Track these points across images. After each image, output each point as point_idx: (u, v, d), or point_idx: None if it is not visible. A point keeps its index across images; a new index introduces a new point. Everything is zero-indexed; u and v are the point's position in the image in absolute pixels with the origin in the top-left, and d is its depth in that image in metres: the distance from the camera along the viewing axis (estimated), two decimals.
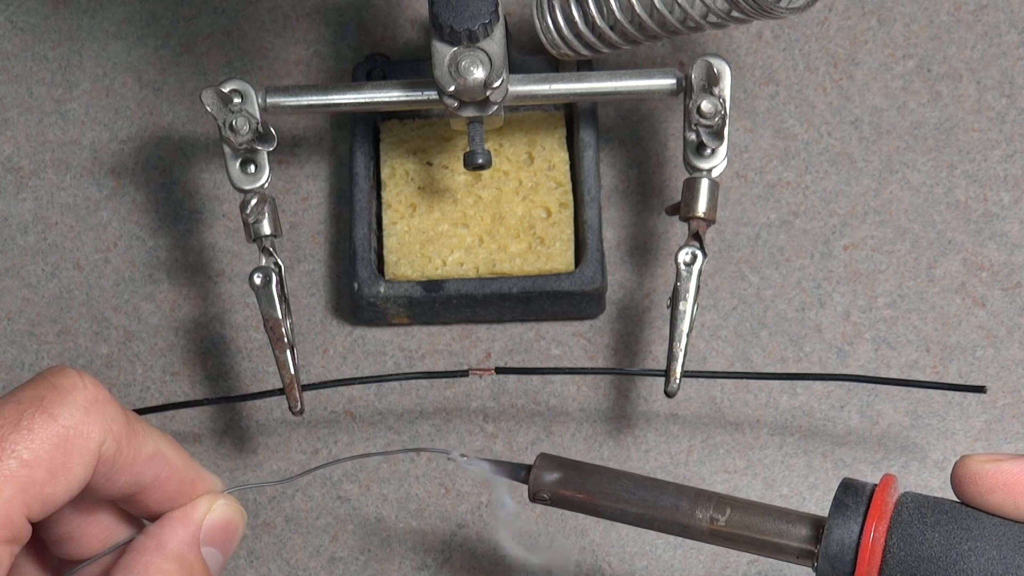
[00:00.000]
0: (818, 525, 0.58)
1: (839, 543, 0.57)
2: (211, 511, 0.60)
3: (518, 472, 0.62)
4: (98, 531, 0.60)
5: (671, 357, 0.68)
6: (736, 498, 0.60)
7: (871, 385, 0.74)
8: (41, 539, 0.59)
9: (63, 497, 0.55)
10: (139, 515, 0.60)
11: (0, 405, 0.55)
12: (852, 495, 0.58)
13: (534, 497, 0.61)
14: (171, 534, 0.59)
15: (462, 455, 0.63)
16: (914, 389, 0.74)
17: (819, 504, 0.73)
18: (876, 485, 0.58)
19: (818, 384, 0.74)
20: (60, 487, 0.55)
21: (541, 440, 0.74)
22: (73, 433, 0.55)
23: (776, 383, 0.74)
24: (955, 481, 0.57)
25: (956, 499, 0.57)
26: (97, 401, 0.56)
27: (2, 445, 0.54)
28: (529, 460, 0.73)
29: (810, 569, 0.58)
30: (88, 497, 0.57)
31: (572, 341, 0.75)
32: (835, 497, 0.58)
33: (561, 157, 0.75)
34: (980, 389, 0.69)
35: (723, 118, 0.68)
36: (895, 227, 0.76)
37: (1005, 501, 0.56)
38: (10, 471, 0.54)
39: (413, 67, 0.75)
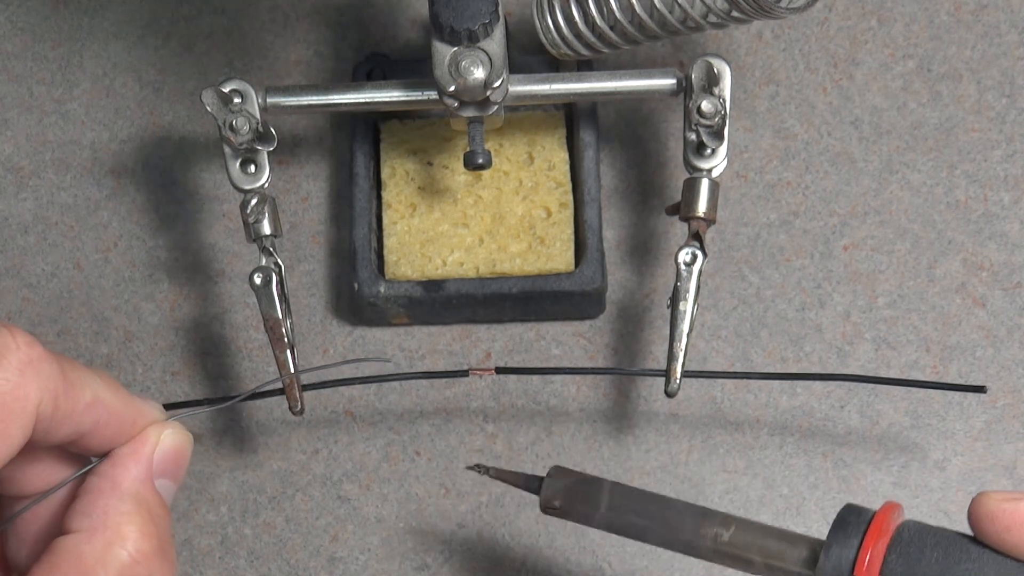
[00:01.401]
0: (820, 547, 0.58)
1: (837, 560, 0.57)
2: (160, 442, 0.60)
3: (532, 483, 0.64)
4: (40, 470, 0.60)
5: (671, 357, 0.68)
6: (741, 519, 0.61)
7: (871, 385, 0.74)
8: None
9: (1, 459, 0.55)
10: (83, 454, 0.60)
11: None
12: (854, 516, 0.58)
13: (545, 508, 0.63)
14: (124, 472, 0.59)
15: (477, 466, 0.65)
16: (914, 390, 0.74)
17: (819, 504, 0.73)
18: (878, 510, 0.58)
19: (818, 384, 0.74)
20: None
21: (541, 440, 0.74)
22: (8, 398, 0.54)
23: (776, 383, 0.74)
24: (972, 519, 0.57)
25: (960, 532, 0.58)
26: (31, 361, 0.55)
27: None
28: (530, 460, 0.74)
29: None
30: (27, 448, 0.56)
31: (572, 341, 0.75)
32: (837, 517, 0.58)
33: (561, 157, 0.75)
34: (980, 389, 0.69)
35: (723, 118, 0.68)
36: (895, 227, 0.76)
37: (1022, 541, 0.56)
38: None
39: (413, 67, 0.75)
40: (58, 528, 0.58)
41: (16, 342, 0.55)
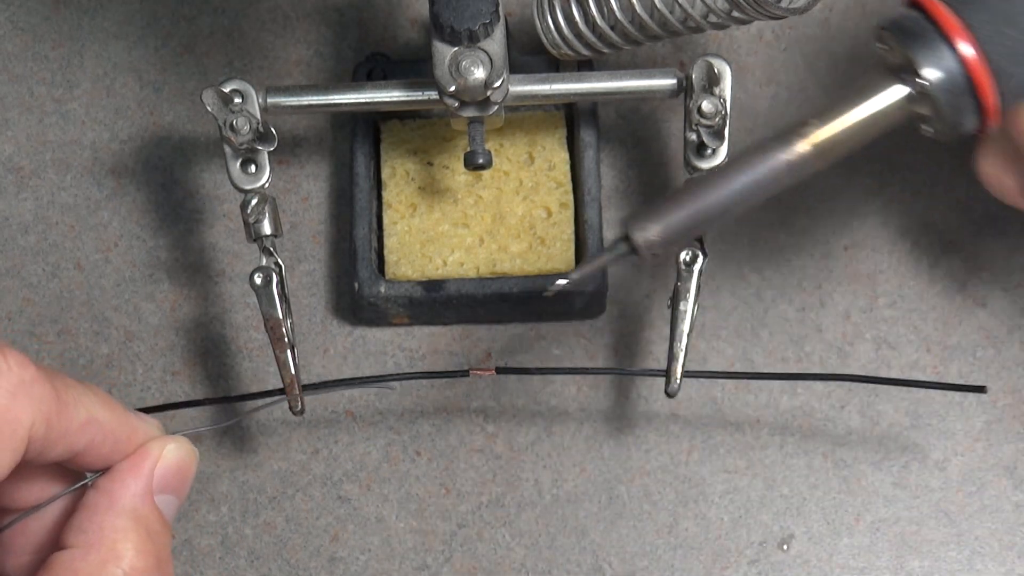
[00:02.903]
0: (901, 68, 0.58)
1: (936, 60, 0.57)
2: (162, 457, 0.59)
3: (620, 248, 0.60)
4: (35, 486, 0.59)
5: (672, 357, 0.68)
6: (821, 108, 0.59)
7: (871, 385, 0.74)
8: None
9: None
10: (79, 470, 0.60)
11: None
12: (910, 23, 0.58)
13: (650, 251, 0.59)
14: (122, 489, 0.58)
15: (563, 280, 0.62)
16: (914, 390, 0.74)
17: (819, 504, 0.73)
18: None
19: (818, 384, 0.74)
20: None
21: (541, 440, 0.74)
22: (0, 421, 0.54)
23: (776, 383, 0.74)
24: None
25: None
26: (23, 383, 0.54)
27: None
28: (530, 460, 0.74)
29: (925, 127, 0.59)
30: (20, 467, 0.56)
31: (572, 341, 0.75)
32: (895, 30, 0.58)
33: (561, 157, 0.75)
34: (980, 389, 0.69)
35: (724, 118, 0.68)
36: (895, 227, 0.76)
37: None
38: None
39: (413, 67, 0.75)
40: (54, 543, 0.58)
41: (7, 363, 0.54)
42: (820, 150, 0.59)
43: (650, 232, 0.59)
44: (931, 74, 0.58)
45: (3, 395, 0.54)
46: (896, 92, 0.59)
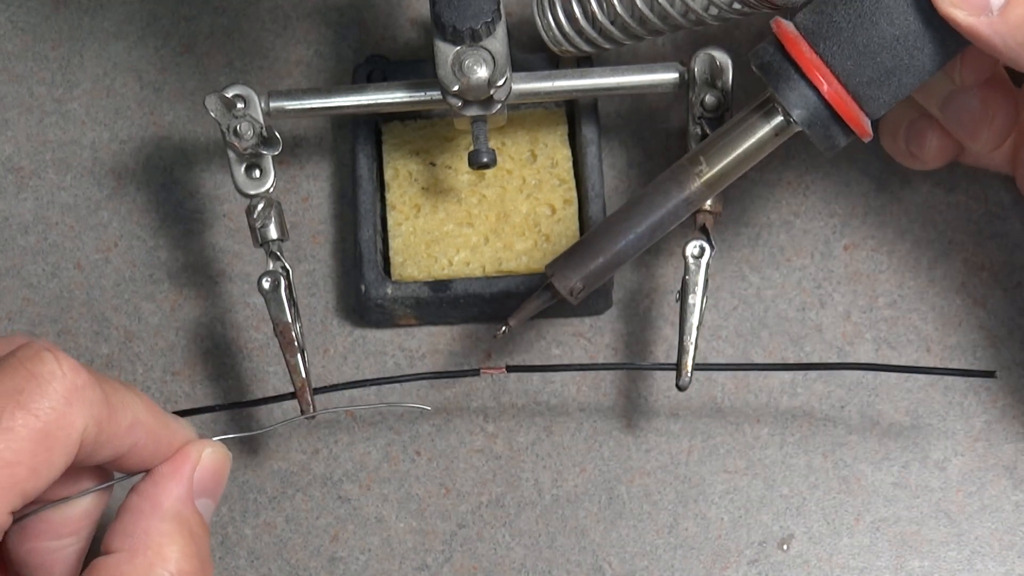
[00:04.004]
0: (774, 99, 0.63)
1: (792, 93, 0.61)
2: (200, 461, 0.60)
3: (545, 295, 0.66)
4: (67, 486, 0.60)
5: (682, 351, 0.68)
6: (702, 146, 0.64)
7: (871, 386, 0.74)
8: None
9: (43, 487, 0.55)
10: (119, 472, 0.61)
11: None
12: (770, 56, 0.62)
13: (576, 297, 0.65)
14: (165, 492, 0.59)
15: (504, 328, 0.66)
16: (914, 390, 0.74)
17: (819, 504, 0.73)
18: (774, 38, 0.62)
19: (819, 384, 0.74)
20: (41, 480, 0.55)
21: (541, 440, 0.74)
22: (54, 427, 0.55)
23: (777, 383, 0.74)
24: None
25: None
26: (77, 388, 0.55)
27: None
28: (530, 460, 0.74)
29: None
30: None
31: (572, 341, 0.75)
32: (760, 68, 0.62)
33: (564, 154, 0.75)
34: (990, 374, 0.69)
35: (727, 111, 0.69)
36: (895, 227, 0.76)
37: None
38: None
39: (413, 68, 0.75)
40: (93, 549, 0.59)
41: (62, 369, 0.55)
42: (710, 184, 0.64)
43: (571, 281, 0.65)
44: (795, 111, 0.61)
45: (59, 401, 0.55)
46: (772, 124, 0.63)
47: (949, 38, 0.61)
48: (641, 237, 0.65)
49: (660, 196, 0.64)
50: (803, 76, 0.61)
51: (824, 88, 0.61)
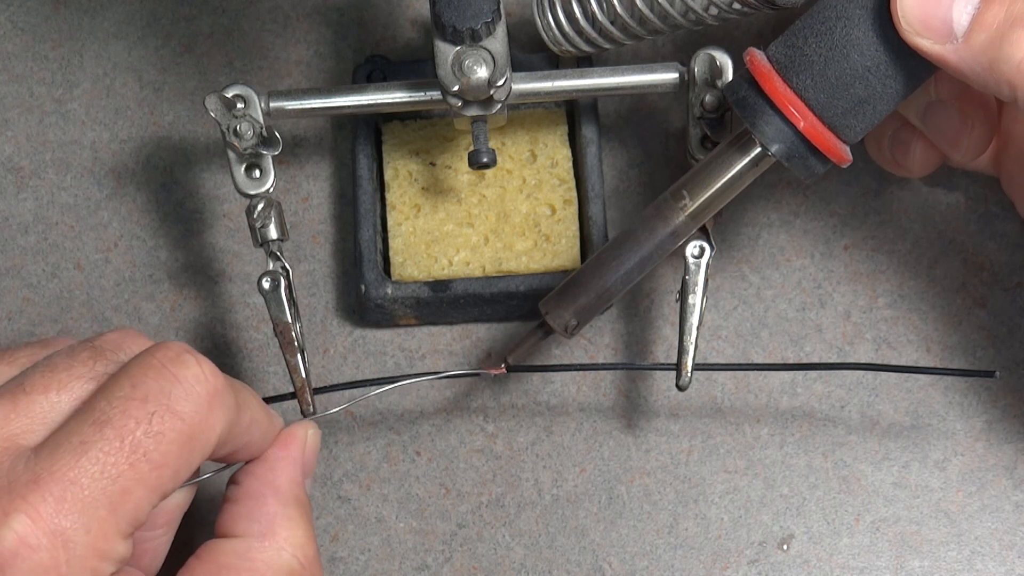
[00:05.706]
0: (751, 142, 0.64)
1: (764, 126, 0.62)
2: (307, 442, 0.63)
3: (537, 333, 0.67)
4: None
5: (682, 351, 0.68)
6: (684, 180, 0.66)
7: (871, 386, 0.74)
8: None
9: (179, 485, 0.57)
10: (231, 463, 0.63)
11: (125, 402, 0.55)
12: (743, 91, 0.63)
13: (568, 332, 0.67)
14: (283, 476, 0.62)
15: (501, 366, 0.68)
16: (914, 390, 0.74)
17: (819, 504, 0.73)
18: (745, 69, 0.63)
19: (818, 384, 0.74)
20: (179, 481, 0.57)
21: (541, 440, 0.74)
22: (198, 430, 0.56)
23: (777, 383, 0.74)
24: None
25: None
26: (217, 392, 0.57)
27: (134, 447, 0.55)
28: (530, 459, 0.74)
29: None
30: None
31: (571, 341, 0.75)
32: (735, 103, 0.63)
33: (564, 154, 0.75)
34: (990, 374, 0.69)
35: (727, 111, 0.69)
36: (895, 227, 0.76)
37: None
38: (141, 474, 0.55)
39: (412, 68, 0.75)
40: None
41: (204, 373, 0.57)
42: (694, 215, 0.66)
43: (565, 318, 0.67)
44: (774, 146, 0.63)
45: (202, 405, 0.57)
46: (750, 155, 0.65)
47: (919, 65, 0.61)
48: (631, 272, 0.66)
49: (646, 232, 0.66)
50: (778, 112, 0.62)
51: (801, 124, 0.62)
